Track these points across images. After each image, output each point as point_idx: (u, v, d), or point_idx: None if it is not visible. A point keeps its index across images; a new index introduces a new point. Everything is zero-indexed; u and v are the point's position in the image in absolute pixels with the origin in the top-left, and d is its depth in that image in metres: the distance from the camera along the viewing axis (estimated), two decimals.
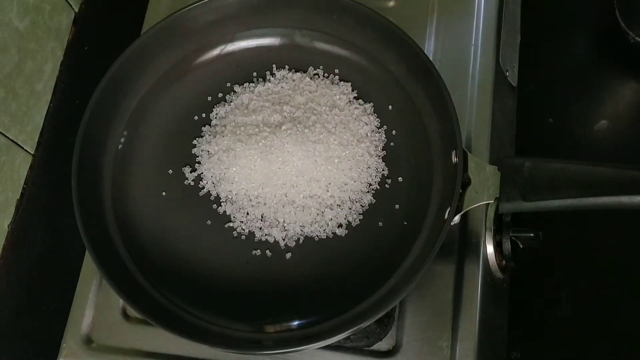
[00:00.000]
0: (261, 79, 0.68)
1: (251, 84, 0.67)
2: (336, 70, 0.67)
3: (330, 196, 0.62)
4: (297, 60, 0.68)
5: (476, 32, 0.69)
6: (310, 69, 0.67)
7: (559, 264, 0.71)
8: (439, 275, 0.61)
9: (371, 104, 0.65)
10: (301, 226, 0.61)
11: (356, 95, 0.66)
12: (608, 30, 0.81)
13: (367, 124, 0.64)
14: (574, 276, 0.71)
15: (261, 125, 0.64)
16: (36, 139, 0.80)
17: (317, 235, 0.61)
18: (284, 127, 0.63)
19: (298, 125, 0.63)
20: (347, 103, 0.65)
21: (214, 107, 0.67)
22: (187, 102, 0.67)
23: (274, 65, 0.68)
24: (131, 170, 0.65)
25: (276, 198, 0.62)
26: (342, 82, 0.66)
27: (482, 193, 0.56)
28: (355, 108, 0.65)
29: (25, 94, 0.77)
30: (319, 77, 0.67)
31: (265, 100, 0.66)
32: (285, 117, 0.65)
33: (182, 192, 0.64)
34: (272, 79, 0.67)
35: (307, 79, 0.67)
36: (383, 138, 0.64)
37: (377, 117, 0.65)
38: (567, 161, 0.55)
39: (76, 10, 0.86)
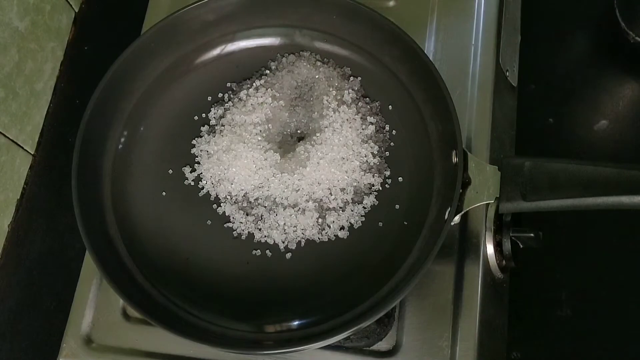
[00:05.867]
0: (261, 73, 0.67)
1: (249, 80, 0.67)
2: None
3: (333, 199, 0.62)
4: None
5: (476, 32, 0.69)
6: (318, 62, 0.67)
7: (559, 264, 0.71)
8: (439, 275, 0.61)
9: (378, 102, 0.65)
10: (302, 229, 0.61)
11: (364, 93, 0.66)
12: (608, 30, 0.81)
13: (372, 124, 0.64)
14: (574, 276, 0.71)
15: (262, 124, 0.64)
16: (36, 139, 0.80)
17: (318, 238, 0.61)
18: (287, 126, 0.63)
19: (302, 125, 0.63)
20: (354, 100, 0.65)
21: (211, 107, 0.67)
22: (187, 102, 0.67)
23: (277, 55, 0.67)
24: (131, 170, 0.65)
25: (276, 201, 0.62)
26: (352, 77, 0.66)
27: (482, 193, 0.56)
28: (362, 107, 0.65)
29: (25, 94, 0.77)
30: (328, 65, 0.66)
31: (267, 96, 0.66)
32: (288, 115, 0.65)
33: (182, 192, 0.64)
34: (272, 67, 0.67)
35: (314, 70, 0.66)
36: (387, 138, 0.64)
37: (382, 117, 0.65)
38: (567, 161, 0.55)
39: (76, 10, 0.86)
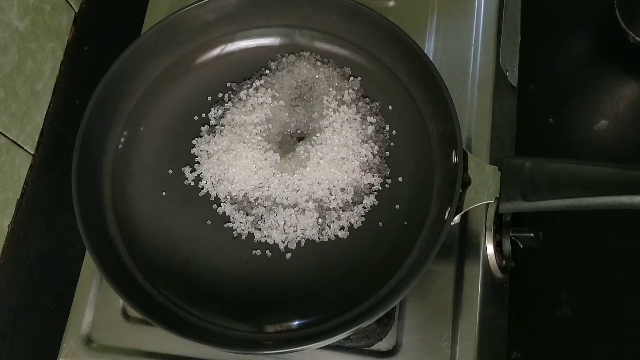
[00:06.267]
0: (261, 73, 0.68)
1: (249, 80, 0.67)
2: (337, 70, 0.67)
3: (333, 199, 0.62)
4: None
5: (476, 32, 0.69)
6: (318, 63, 0.67)
7: (559, 264, 0.71)
8: (439, 275, 0.61)
9: (378, 102, 0.65)
10: (302, 229, 0.61)
11: (364, 93, 0.66)
12: (608, 30, 0.81)
13: (372, 124, 0.64)
14: (574, 276, 0.71)
15: (262, 124, 0.64)
16: (36, 139, 0.80)
17: (318, 238, 0.61)
18: (287, 126, 0.63)
19: (302, 125, 0.63)
20: (354, 100, 0.65)
21: (211, 107, 0.67)
22: (187, 102, 0.67)
23: (277, 55, 0.68)
24: (131, 170, 0.65)
25: (276, 201, 0.62)
26: (352, 77, 0.66)
27: (482, 193, 0.56)
28: (362, 107, 0.65)
29: (25, 94, 0.77)
30: (328, 65, 0.67)
31: (267, 96, 0.66)
32: (288, 115, 0.65)
33: (182, 192, 0.64)
34: (272, 67, 0.67)
35: (314, 70, 0.66)
36: (387, 138, 0.64)
37: (382, 117, 0.65)
38: (567, 161, 0.55)
39: (76, 10, 0.86)
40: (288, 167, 0.62)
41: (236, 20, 0.67)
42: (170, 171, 0.65)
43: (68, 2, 0.84)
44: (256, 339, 0.59)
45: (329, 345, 0.59)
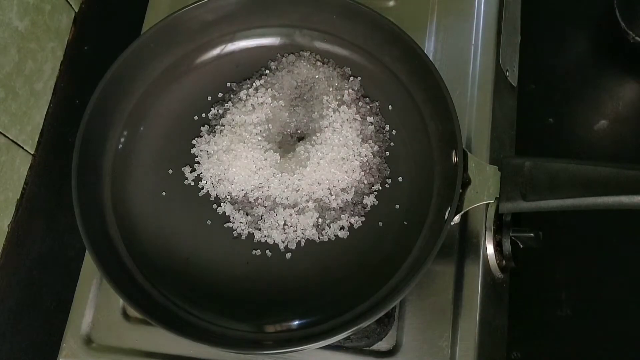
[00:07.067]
0: (261, 73, 0.68)
1: (249, 80, 0.67)
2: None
3: (333, 199, 0.62)
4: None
5: (476, 32, 0.69)
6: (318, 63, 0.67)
7: (559, 264, 0.71)
8: (439, 275, 0.61)
9: (378, 102, 0.65)
10: (302, 229, 0.61)
11: (364, 93, 0.66)
12: (608, 30, 0.81)
13: (372, 124, 0.64)
14: (574, 276, 0.71)
15: (262, 124, 0.64)
16: (36, 139, 0.80)
17: (318, 238, 0.61)
18: (287, 126, 0.63)
19: (302, 125, 0.63)
20: (354, 100, 0.65)
21: (211, 107, 0.67)
22: (187, 102, 0.67)
23: (277, 55, 0.68)
24: (131, 170, 0.65)
25: (276, 201, 0.62)
26: (352, 77, 0.66)
27: (482, 193, 0.56)
28: (362, 107, 0.65)
29: (25, 94, 0.77)
30: (328, 65, 0.67)
31: (267, 96, 0.66)
32: (288, 115, 0.65)
33: (182, 192, 0.64)
34: (272, 67, 0.67)
35: (314, 70, 0.66)
36: (387, 138, 0.64)
37: (382, 117, 0.65)
38: (567, 161, 0.55)
39: (76, 10, 0.86)
40: (288, 167, 0.62)
41: (236, 20, 0.67)
42: (170, 171, 0.65)
43: (68, 2, 0.84)
44: (256, 339, 0.59)
45: (329, 345, 0.59)
